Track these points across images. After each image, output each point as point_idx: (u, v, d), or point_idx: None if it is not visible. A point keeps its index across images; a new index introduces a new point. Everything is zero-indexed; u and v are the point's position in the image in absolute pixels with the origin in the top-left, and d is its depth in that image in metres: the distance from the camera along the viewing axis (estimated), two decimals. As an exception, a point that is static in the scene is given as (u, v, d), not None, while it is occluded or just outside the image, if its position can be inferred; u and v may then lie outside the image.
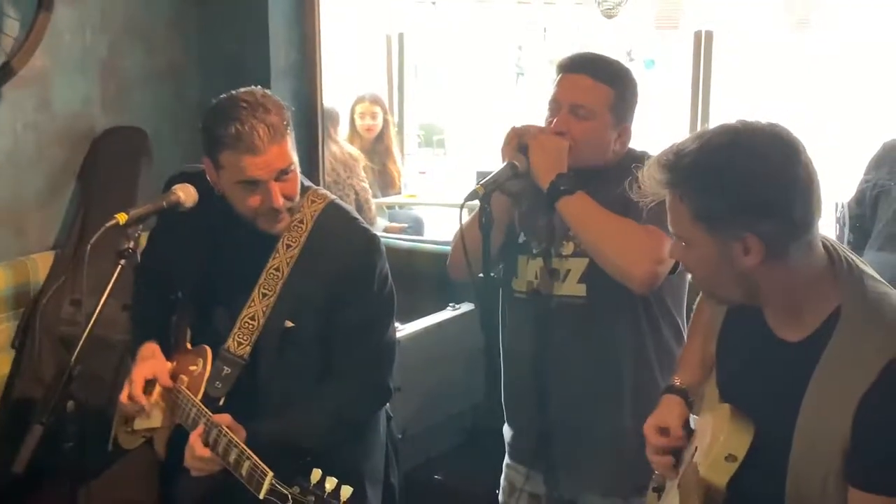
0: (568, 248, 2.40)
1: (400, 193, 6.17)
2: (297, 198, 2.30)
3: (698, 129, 1.76)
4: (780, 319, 1.77)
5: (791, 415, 1.69)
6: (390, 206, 6.16)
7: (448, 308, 3.59)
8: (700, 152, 1.67)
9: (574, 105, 2.35)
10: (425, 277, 3.68)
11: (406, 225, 5.88)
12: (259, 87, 2.28)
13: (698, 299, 2.19)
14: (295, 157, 2.26)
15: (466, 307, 3.56)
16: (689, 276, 2.45)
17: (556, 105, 2.39)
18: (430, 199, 6.56)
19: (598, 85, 2.35)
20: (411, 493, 2.72)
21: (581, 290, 2.37)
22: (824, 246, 1.73)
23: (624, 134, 2.41)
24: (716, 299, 1.87)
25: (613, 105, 2.36)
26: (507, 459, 2.64)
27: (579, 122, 2.35)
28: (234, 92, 2.25)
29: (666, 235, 2.21)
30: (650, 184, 1.74)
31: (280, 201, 2.23)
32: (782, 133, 1.68)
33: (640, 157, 2.42)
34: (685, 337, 2.43)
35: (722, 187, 1.65)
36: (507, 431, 2.62)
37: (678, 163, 1.69)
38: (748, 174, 1.64)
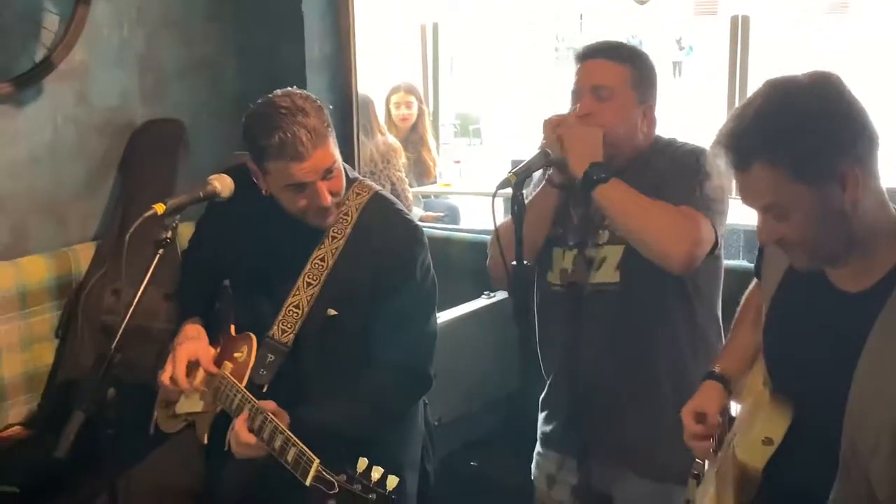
0: (603, 237, 2.39)
1: (435, 183, 6.19)
2: (343, 192, 2.32)
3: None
4: (845, 269, 1.72)
5: (849, 367, 1.65)
6: (426, 196, 6.18)
7: (483, 296, 3.60)
8: (764, 114, 1.64)
9: (594, 86, 2.34)
10: (460, 266, 3.69)
11: (442, 214, 5.89)
12: (295, 87, 2.29)
13: (749, 290, 2.15)
14: (338, 154, 2.28)
15: (501, 295, 3.56)
16: (723, 262, 2.44)
17: (577, 92, 2.38)
18: (466, 189, 6.56)
19: (614, 65, 2.35)
20: (447, 480, 2.73)
21: (616, 276, 2.36)
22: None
23: (649, 113, 2.39)
24: (818, 261, 1.75)
25: (633, 82, 2.35)
26: (538, 447, 2.64)
27: (602, 103, 2.33)
28: (271, 96, 2.26)
29: (703, 216, 2.21)
30: (725, 172, 1.69)
31: (328, 200, 2.26)
32: (814, 72, 1.69)
33: (669, 144, 2.41)
34: (720, 323, 2.43)
35: (803, 130, 1.61)
36: (540, 417, 2.62)
37: (750, 135, 1.65)
38: (818, 108, 1.62)
